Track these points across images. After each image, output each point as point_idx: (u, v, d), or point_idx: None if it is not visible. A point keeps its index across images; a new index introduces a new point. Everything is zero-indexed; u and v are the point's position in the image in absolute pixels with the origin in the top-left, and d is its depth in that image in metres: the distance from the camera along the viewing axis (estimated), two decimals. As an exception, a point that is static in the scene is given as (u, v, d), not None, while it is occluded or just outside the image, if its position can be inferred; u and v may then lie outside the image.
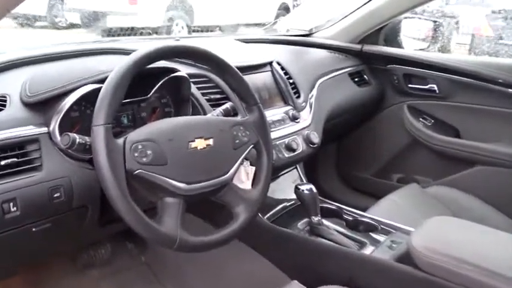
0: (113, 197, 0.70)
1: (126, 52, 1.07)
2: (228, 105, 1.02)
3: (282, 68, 1.35)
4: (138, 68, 0.78)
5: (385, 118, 1.81)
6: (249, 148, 0.90)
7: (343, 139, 1.91)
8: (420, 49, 1.95)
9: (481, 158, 1.57)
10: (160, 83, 0.98)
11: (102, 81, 0.84)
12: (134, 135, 0.76)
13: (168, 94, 1.08)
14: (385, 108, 1.81)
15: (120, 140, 0.74)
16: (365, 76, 1.75)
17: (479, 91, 1.57)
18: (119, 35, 1.71)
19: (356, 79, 1.70)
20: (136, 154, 0.74)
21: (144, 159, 0.74)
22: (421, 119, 1.71)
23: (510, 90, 1.50)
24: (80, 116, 0.91)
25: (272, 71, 1.31)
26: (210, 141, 0.84)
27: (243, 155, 0.89)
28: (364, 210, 1.32)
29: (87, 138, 0.78)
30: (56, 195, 0.79)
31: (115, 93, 0.74)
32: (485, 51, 3.35)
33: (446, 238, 0.92)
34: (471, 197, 1.51)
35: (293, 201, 1.27)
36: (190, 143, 0.81)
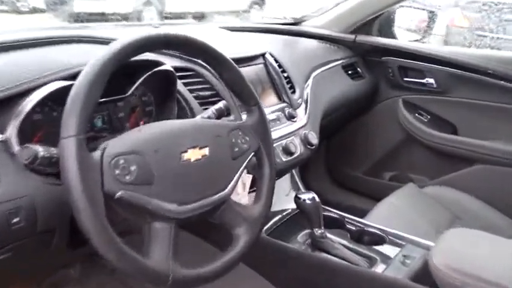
0: (88, 229, 0.56)
1: (102, 41, 0.91)
2: (221, 104, 0.88)
3: (276, 60, 1.22)
4: (118, 62, 0.63)
5: (378, 113, 1.71)
6: (250, 157, 0.77)
7: (334, 136, 1.80)
8: (415, 40, 1.85)
9: (480, 156, 1.49)
10: (141, 79, 0.83)
11: (72, 77, 0.69)
12: (114, 146, 0.61)
13: (150, 91, 0.92)
14: (378, 102, 1.71)
15: (97, 154, 0.59)
16: (358, 69, 1.64)
17: (479, 86, 1.48)
18: (88, 21, 1.52)
19: (349, 72, 1.59)
20: (117, 171, 0.59)
21: (127, 177, 0.60)
22: (416, 115, 1.62)
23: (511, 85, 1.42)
24: (44, 120, 0.75)
25: (265, 64, 1.18)
26: (206, 151, 0.70)
27: (243, 166, 0.76)
28: (359, 211, 1.22)
29: (53, 151, 0.62)
30: (15, 220, 0.64)
31: (89, 95, 0.59)
32: (460, 42, 3.31)
33: (470, 256, 0.82)
34: (471, 197, 1.43)
35: (289, 210, 1.14)
36: (182, 154, 0.66)
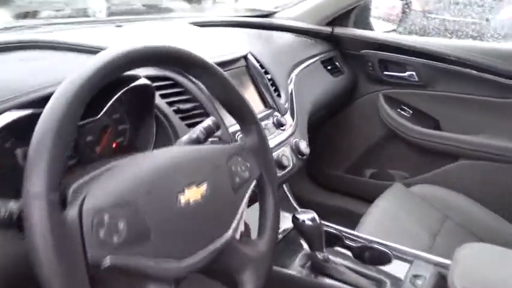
0: None
1: (75, 48, 0.76)
2: (209, 121, 0.75)
3: (257, 61, 1.10)
4: (102, 82, 0.49)
5: (358, 109, 1.63)
6: (252, 186, 0.66)
7: (312, 135, 1.71)
8: (388, 31, 1.78)
9: (464, 152, 1.46)
10: (115, 97, 0.69)
11: (36, 104, 0.55)
12: (94, 197, 0.48)
13: (123, 108, 0.78)
14: (358, 98, 1.63)
15: (73, 213, 0.45)
16: (337, 63, 1.55)
17: (462, 79, 1.43)
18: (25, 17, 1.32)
19: (329, 67, 1.49)
20: (102, 233, 0.46)
21: (115, 238, 0.47)
22: (398, 110, 1.56)
23: (496, 77, 1.37)
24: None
25: (247, 66, 1.05)
26: (204, 188, 0.58)
27: (246, 198, 0.64)
28: (341, 211, 1.11)
29: (12, 208, 0.48)
30: None
31: (64, 131, 0.45)
32: (412, 26, 3.33)
33: (491, 276, 0.76)
34: (458, 194, 1.39)
35: (282, 229, 1.04)
36: (179, 196, 0.54)
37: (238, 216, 0.62)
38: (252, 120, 0.68)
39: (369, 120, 1.61)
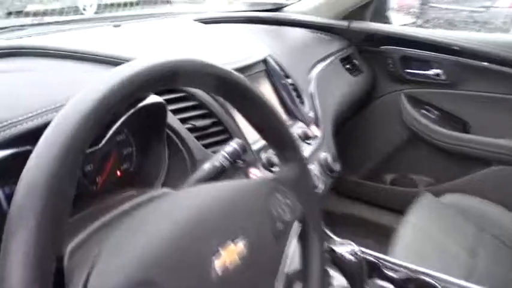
0: None
1: (73, 55, 0.63)
2: (235, 144, 0.62)
3: (276, 63, 0.96)
4: (121, 106, 0.36)
5: (377, 110, 1.50)
6: (296, 230, 0.53)
7: None
8: (404, 25, 1.65)
9: (496, 157, 1.33)
10: (120, 121, 0.55)
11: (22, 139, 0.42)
12: (105, 275, 0.34)
13: (127, 127, 0.65)
14: (377, 98, 1.49)
15: None
16: (355, 61, 1.41)
17: (494, 77, 1.30)
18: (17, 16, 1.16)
19: (347, 66, 1.36)
20: None
21: None
22: (422, 111, 1.43)
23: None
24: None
25: (267, 70, 0.92)
26: (241, 244, 0.44)
27: (289, 245, 0.51)
28: (360, 220, 0.98)
29: None
30: None
31: (68, 180, 0.32)
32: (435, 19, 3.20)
33: None
34: (491, 204, 1.27)
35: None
36: (214, 262, 0.41)
37: (280, 274, 0.49)
38: (292, 146, 0.55)
39: (390, 122, 1.48)
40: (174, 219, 0.42)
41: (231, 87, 0.47)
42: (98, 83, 0.35)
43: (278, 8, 1.47)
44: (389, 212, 1.49)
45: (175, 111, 0.69)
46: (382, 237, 1.13)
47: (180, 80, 0.42)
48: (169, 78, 0.41)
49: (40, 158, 0.32)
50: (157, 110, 0.60)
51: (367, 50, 1.45)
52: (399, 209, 1.28)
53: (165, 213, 0.43)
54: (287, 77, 0.97)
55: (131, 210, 0.45)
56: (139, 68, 0.38)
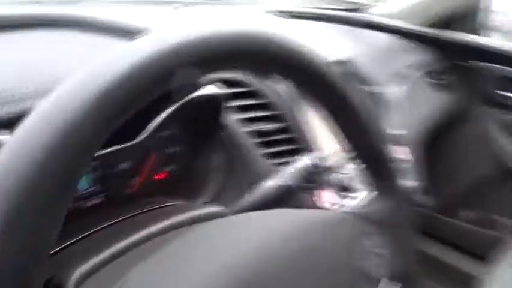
0: None
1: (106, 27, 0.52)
2: (308, 160, 0.47)
3: (358, 70, 0.81)
4: (155, 89, 0.23)
5: (463, 135, 1.30)
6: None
7: None
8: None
9: None
10: (164, 115, 0.42)
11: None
12: None
13: (173, 122, 0.52)
14: (463, 122, 1.29)
15: None
16: (443, 76, 1.22)
17: None
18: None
19: (434, 80, 1.17)
20: None
21: None
22: (517, 143, 1.22)
23: None
24: None
25: (346, 74, 0.76)
26: None
27: None
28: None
29: None
30: None
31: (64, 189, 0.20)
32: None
33: None
34: None
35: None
36: None
37: None
38: (392, 175, 0.39)
39: (476, 151, 1.27)
40: (242, 251, 0.28)
41: (326, 87, 0.33)
42: (118, 53, 0.22)
43: (358, 9, 1.32)
44: (460, 253, 1.30)
45: (234, 109, 0.56)
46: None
47: (259, 63, 0.28)
48: (241, 57, 0.27)
49: (12, 161, 0.19)
50: (213, 105, 0.47)
51: (457, 65, 1.25)
52: (478, 253, 1.09)
53: (233, 241, 0.29)
54: (368, 84, 0.81)
55: (181, 227, 0.32)
56: (193, 35, 0.24)
